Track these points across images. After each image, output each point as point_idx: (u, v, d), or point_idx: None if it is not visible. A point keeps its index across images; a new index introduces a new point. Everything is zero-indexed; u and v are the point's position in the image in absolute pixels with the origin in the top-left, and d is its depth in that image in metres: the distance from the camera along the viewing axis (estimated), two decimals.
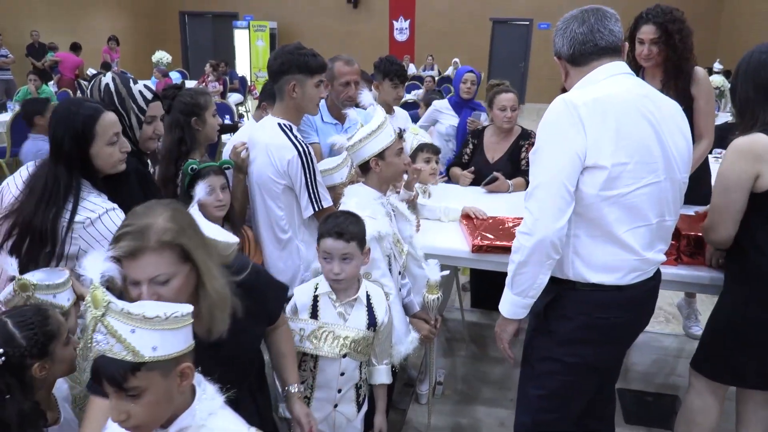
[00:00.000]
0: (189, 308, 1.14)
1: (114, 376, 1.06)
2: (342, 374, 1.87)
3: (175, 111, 2.31)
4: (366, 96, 2.13)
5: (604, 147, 1.55)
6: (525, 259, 1.63)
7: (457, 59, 14.01)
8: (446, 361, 3.23)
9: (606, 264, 1.65)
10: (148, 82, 9.04)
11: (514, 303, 1.72)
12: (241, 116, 9.16)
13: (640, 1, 2.98)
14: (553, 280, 1.69)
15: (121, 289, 1.26)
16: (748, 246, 1.88)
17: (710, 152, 2.87)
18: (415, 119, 5.57)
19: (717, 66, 9.63)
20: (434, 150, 3.07)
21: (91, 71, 9.68)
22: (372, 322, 1.85)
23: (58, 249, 1.64)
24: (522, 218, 2.53)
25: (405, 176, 2.60)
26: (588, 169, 1.57)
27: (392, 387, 2.32)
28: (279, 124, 2.24)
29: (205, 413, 1.17)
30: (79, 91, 9.37)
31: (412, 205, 2.60)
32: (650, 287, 1.76)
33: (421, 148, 2.93)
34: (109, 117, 1.74)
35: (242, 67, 15.78)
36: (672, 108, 1.70)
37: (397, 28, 13.43)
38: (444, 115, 4.20)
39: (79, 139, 1.68)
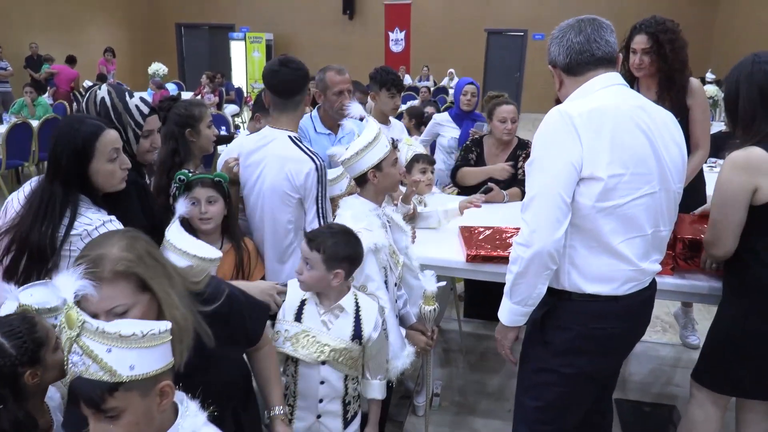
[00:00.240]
0: (167, 325, 1.12)
1: (91, 398, 1.04)
2: (322, 383, 1.84)
3: (169, 122, 2.31)
4: (355, 107, 2.13)
5: (600, 158, 1.55)
6: (523, 270, 1.62)
7: (452, 70, 14.10)
8: (443, 373, 3.21)
9: (602, 274, 1.64)
10: (144, 94, 9.05)
11: (514, 311, 1.71)
12: (237, 127, 9.17)
13: (634, 13, 3.00)
14: (549, 291, 1.69)
15: None
16: (749, 258, 1.88)
17: (704, 162, 2.88)
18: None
19: (709, 76, 9.70)
20: (429, 161, 3.08)
21: (87, 83, 9.70)
22: (357, 335, 1.82)
23: (53, 262, 1.63)
24: (519, 228, 2.55)
25: (403, 188, 2.60)
26: (584, 180, 1.57)
27: (389, 399, 2.30)
28: (290, 137, 2.24)
29: (189, 431, 1.16)
30: (75, 104, 9.38)
31: (410, 217, 2.60)
32: (646, 297, 1.75)
33: (417, 159, 2.94)
34: (111, 134, 1.73)
35: (238, 78, 15.85)
36: (666, 118, 1.70)
37: (392, 39, 13.52)
38: (445, 127, 4.20)
39: (79, 155, 1.67)
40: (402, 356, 2.03)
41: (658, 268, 1.74)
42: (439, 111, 6.52)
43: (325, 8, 16.42)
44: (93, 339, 1.05)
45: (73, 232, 1.63)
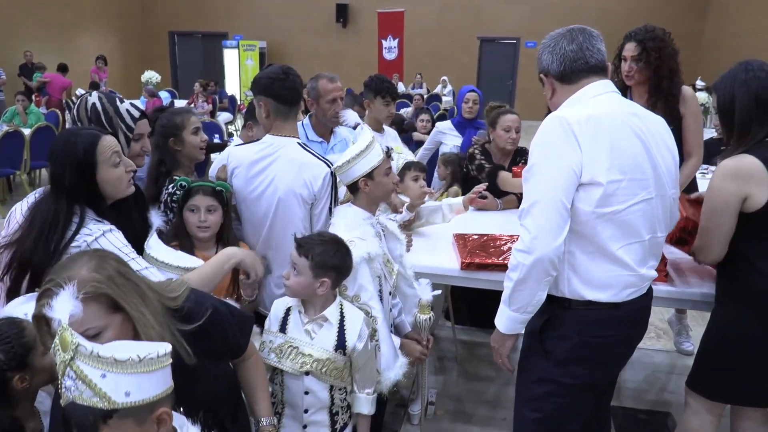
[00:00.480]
0: (166, 348, 1.08)
1: (84, 425, 1.00)
2: (307, 393, 1.83)
3: (156, 133, 2.31)
4: (351, 115, 2.13)
5: (599, 164, 1.55)
6: (523, 276, 1.61)
7: (445, 77, 14.18)
8: (438, 380, 3.20)
9: (601, 281, 1.64)
10: (137, 102, 9.02)
11: (512, 319, 1.70)
12: (230, 135, 9.15)
13: (625, 22, 3.03)
14: (548, 299, 1.68)
15: None
16: (741, 265, 1.88)
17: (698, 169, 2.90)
18: (407, 139, 5.54)
19: (699, 83, 9.81)
20: (421, 168, 3.07)
21: (80, 91, 9.67)
22: (341, 345, 1.81)
23: None
24: (514, 235, 2.54)
25: (405, 198, 2.60)
26: (583, 186, 1.57)
27: (384, 407, 2.29)
28: (300, 144, 2.24)
29: None
30: (67, 111, 9.34)
31: (410, 223, 2.59)
32: (644, 305, 1.75)
33: (408, 166, 2.93)
34: (108, 139, 1.72)
35: (231, 86, 15.86)
36: (659, 124, 1.71)
37: (385, 47, 13.56)
38: (447, 136, 4.20)
39: (82, 167, 1.65)
40: (395, 367, 2.00)
41: (655, 274, 1.74)
42: (432, 118, 6.55)
43: (318, 16, 16.48)
44: (87, 363, 1.01)
45: (73, 243, 1.60)
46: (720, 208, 1.84)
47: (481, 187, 2.72)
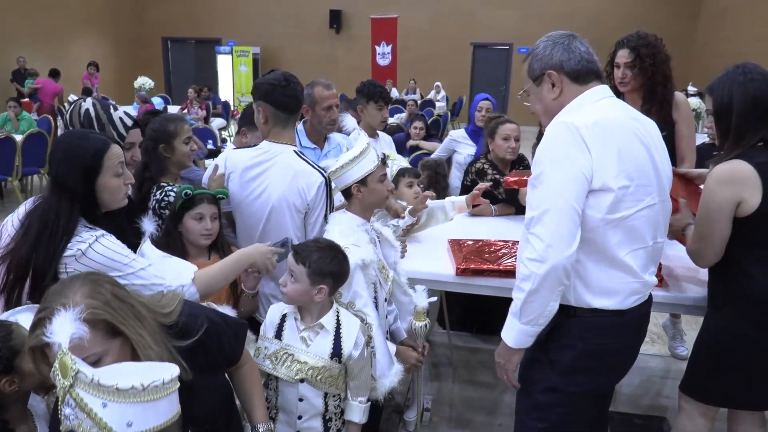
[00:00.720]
0: (172, 372, 1.03)
1: None
2: (301, 400, 1.82)
3: (145, 137, 2.30)
4: (349, 120, 2.13)
5: (608, 169, 1.53)
6: (536, 287, 1.55)
7: (438, 83, 14.23)
8: (433, 386, 3.19)
9: (607, 288, 1.62)
10: (130, 108, 9.00)
11: (522, 332, 1.63)
12: (224, 141, 9.14)
13: (617, 28, 3.04)
14: None
15: None
16: (734, 269, 1.89)
17: None
18: (401, 144, 5.50)
19: (691, 89, 9.91)
20: (415, 174, 3.07)
21: (72, 97, 9.62)
22: (337, 353, 1.80)
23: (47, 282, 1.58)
24: (509, 241, 2.54)
25: (405, 204, 2.60)
26: (594, 192, 1.54)
27: (379, 414, 2.28)
28: (296, 152, 2.23)
29: None
30: (59, 117, 9.29)
31: (410, 228, 2.59)
32: (646, 311, 1.75)
33: (402, 173, 2.92)
34: (116, 149, 1.71)
35: (225, 92, 15.87)
36: (655, 129, 1.72)
37: (379, 53, 13.61)
38: (461, 144, 4.19)
39: (88, 171, 1.64)
40: (390, 375, 2.00)
41: (656, 280, 1.73)
42: (426, 125, 6.54)
43: (311, 22, 16.50)
44: (87, 391, 0.95)
45: (67, 252, 1.58)
46: (716, 214, 1.84)
47: (484, 185, 2.70)
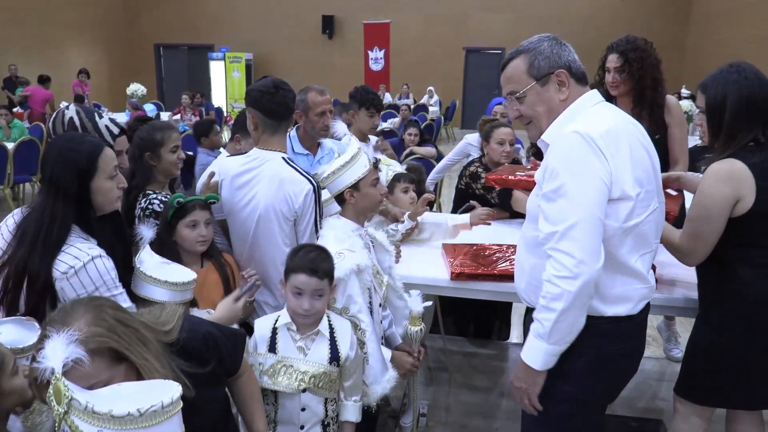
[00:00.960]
0: (173, 395, 0.99)
1: None
2: (303, 410, 1.81)
3: (133, 144, 2.29)
4: (340, 126, 2.13)
5: (626, 177, 1.51)
6: (569, 305, 1.48)
7: (431, 87, 14.27)
8: (429, 392, 3.18)
9: (620, 295, 1.61)
10: (122, 115, 8.97)
11: (549, 353, 1.56)
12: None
13: (609, 33, 3.06)
14: None
15: None
16: (726, 270, 1.89)
17: None
18: (395, 148, 5.49)
19: (684, 92, 9.97)
20: (410, 179, 3.07)
21: (64, 104, 9.58)
22: (335, 357, 1.80)
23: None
24: (503, 245, 2.53)
25: (405, 210, 2.59)
26: (612, 201, 1.52)
27: (375, 419, 2.27)
28: (284, 159, 2.22)
29: None
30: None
31: (410, 233, 2.58)
32: (647, 312, 1.75)
33: (398, 178, 2.92)
34: (110, 152, 1.72)
35: (218, 98, 15.82)
36: (646, 134, 1.72)
37: (372, 58, 13.64)
38: (476, 148, 4.18)
39: (82, 173, 1.64)
40: (382, 381, 1.98)
41: (655, 283, 1.73)
42: (420, 130, 6.53)
43: (304, 28, 16.52)
44: (82, 419, 0.92)
45: (61, 268, 1.56)
46: (716, 212, 1.83)
47: (492, 214, 2.68)
